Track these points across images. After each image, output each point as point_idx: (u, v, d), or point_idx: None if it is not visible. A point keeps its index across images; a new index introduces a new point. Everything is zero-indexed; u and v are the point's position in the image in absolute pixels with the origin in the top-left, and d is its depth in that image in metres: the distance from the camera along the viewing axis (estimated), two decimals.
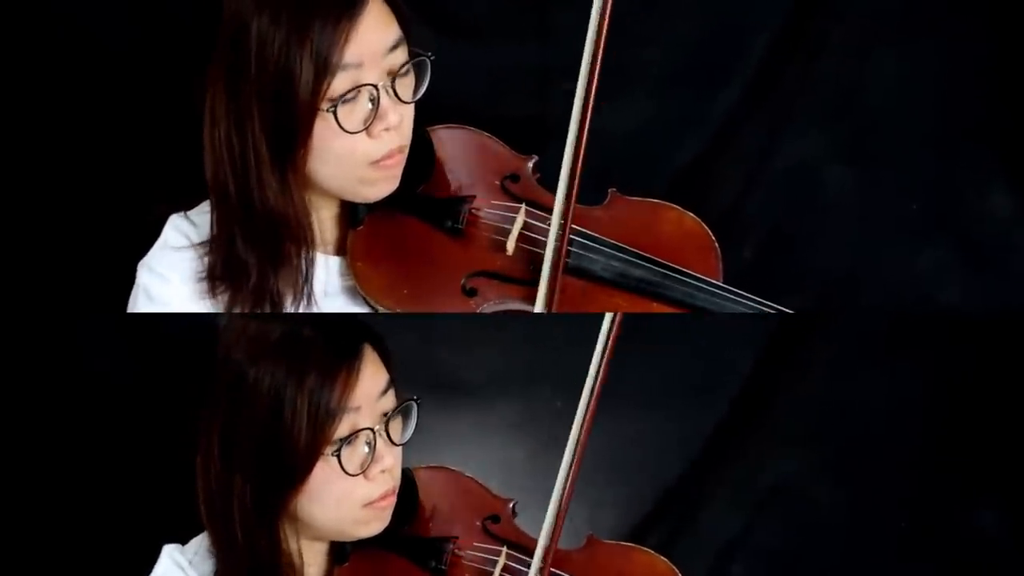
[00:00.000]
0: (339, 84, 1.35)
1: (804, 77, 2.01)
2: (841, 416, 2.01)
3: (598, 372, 1.37)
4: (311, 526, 1.38)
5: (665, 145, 1.99)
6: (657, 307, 1.49)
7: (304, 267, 1.44)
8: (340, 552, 1.43)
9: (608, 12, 1.41)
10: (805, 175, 2.02)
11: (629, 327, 1.95)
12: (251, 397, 1.30)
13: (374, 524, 1.38)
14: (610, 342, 1.37)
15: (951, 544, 2.03)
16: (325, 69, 1.34)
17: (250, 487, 1.33)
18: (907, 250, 2.00)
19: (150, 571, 1.44)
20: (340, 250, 1.51)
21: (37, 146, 1.90)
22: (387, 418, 1.36)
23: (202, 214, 1.48)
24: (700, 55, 1.99)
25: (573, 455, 1.36)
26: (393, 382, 1.38)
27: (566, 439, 1.95)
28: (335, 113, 1.35)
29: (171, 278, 1.45)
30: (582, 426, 1.36)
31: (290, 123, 1.35)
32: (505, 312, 1.48)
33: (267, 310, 1.43)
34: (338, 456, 1.31)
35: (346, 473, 1.32)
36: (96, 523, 1.89)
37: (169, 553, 1.44)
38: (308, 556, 1.42)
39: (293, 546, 1.38)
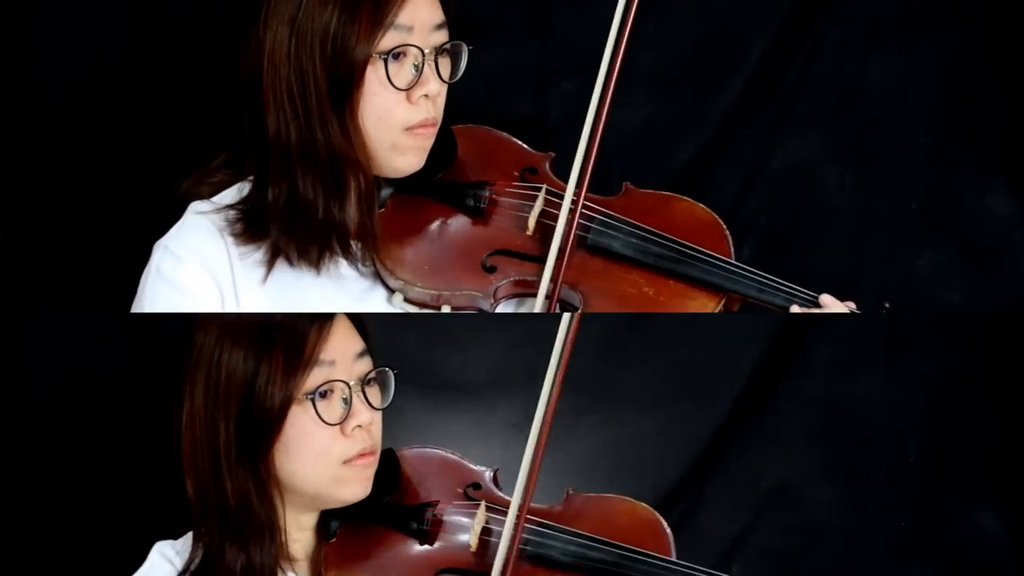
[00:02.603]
0: (388, 40, 1.42)
1: (804, 78, 2.01)
2: (842, 416, 2.01)
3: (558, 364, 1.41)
4: (293, 487, 1.40)
5: (666, 145, 1.99)
6: (674, 284, 1.50)
7: (368, 198, 1.48)
8: (326, 528, 1.45)
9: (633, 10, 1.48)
10: (805, 175, 2.02)
11: (630, 327, 1.97)
12: (229, 353, 1.35)
13: (354, 485, 1.40)
14: (570, 337, 1.40)
15: (951, 544, 2.03)
16: (380, 24, 1.41)
17: (233, 438, 1.36)
18: (907, 250, 2.01)
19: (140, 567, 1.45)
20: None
21: (42, 139, 1.90)
22: (364, 382, 1.40)
23: (225, 198, 1.50)
24: (700, 57, 2.00)
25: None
26: (369, 351, 1.42)
27: (567, 439, 1.96)
28: (386, 63, 1.42)
29: (185, 259, 1.47)
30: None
31: (348, 69, 1.42)
32: (524, 296, 1.52)
33: (336, 249, 1.47)
34: (314, 402, 1.35)
35: (322, 421, 1.35)
36: (88, 519, 1.89)
37: (158, 548, 1.45)
38: (293, 530, 1.44)
39: (279, 513, 1.40)
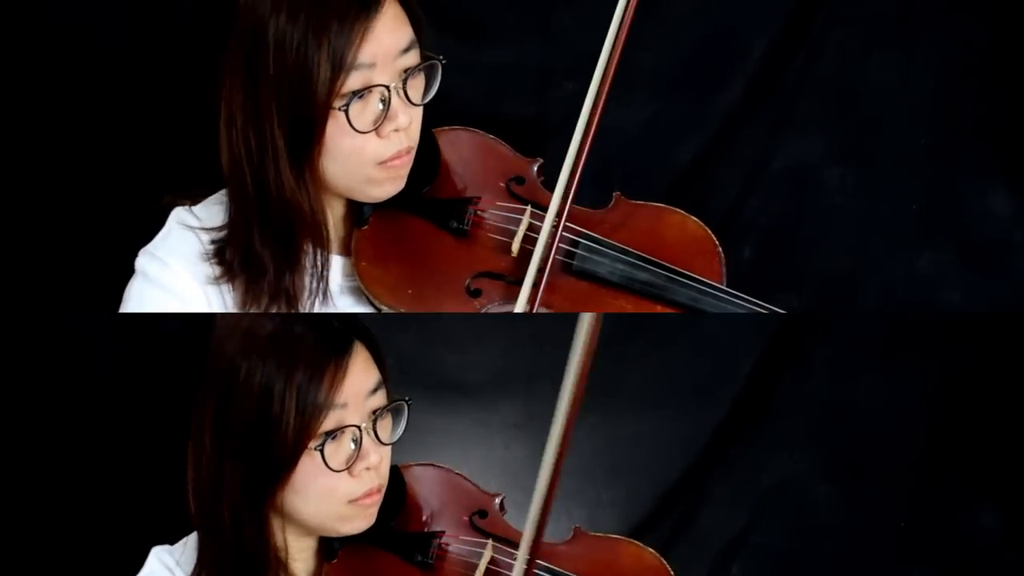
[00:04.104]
0: (352, 83, 1.37)
1: (804, 78, 2.01)
2: (841, 416, 2.01)
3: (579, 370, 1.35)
4: (296, 520, 1.38)
5: (666, 146, 1.99)
6: (661, 310, 1.48)
7: (319, 264, 1.45)
8: (328, 548, 1.44)
9: (631, 14, 1.42)
10: (805, 176, 2.02)
11: (630, 327, 1.97)
12: (241, 389, 1.31)
13: (358, 521, 1.38)
14: (589, 343, 1.35)
15: (950, 544, 2.03)
16: (340, 68, 1.35)
17: (239, 476, 1.33)
18: (907, 251, 2.01)
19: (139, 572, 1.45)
20: (345, 250, 1.52)
21: (37, 145, 1.90)
22: (375, 416, 1.36)
23: (207, 208, 1.49)
24: (700, 57, 2.00)
25: (558, 445, 1.36)
26: (385, 382, 1.38)
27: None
28: (347, 112, 1.37)
29: (171, 263, 1.45)
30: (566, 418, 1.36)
31: (307, 120, 1.37)
32: (506, 312, 1.48)
33: (283, 306, 1.44)
34: (322, 451, 1.32)
35: (329, 469, 1.33)
36: (86, 521, 1.89)
37: (156, 554, 1.44)
38: (295, 551, 1.42)
39: (279, 540, 1.39)
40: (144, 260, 1.46)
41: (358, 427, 1.34)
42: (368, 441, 1.35)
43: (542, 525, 1.31)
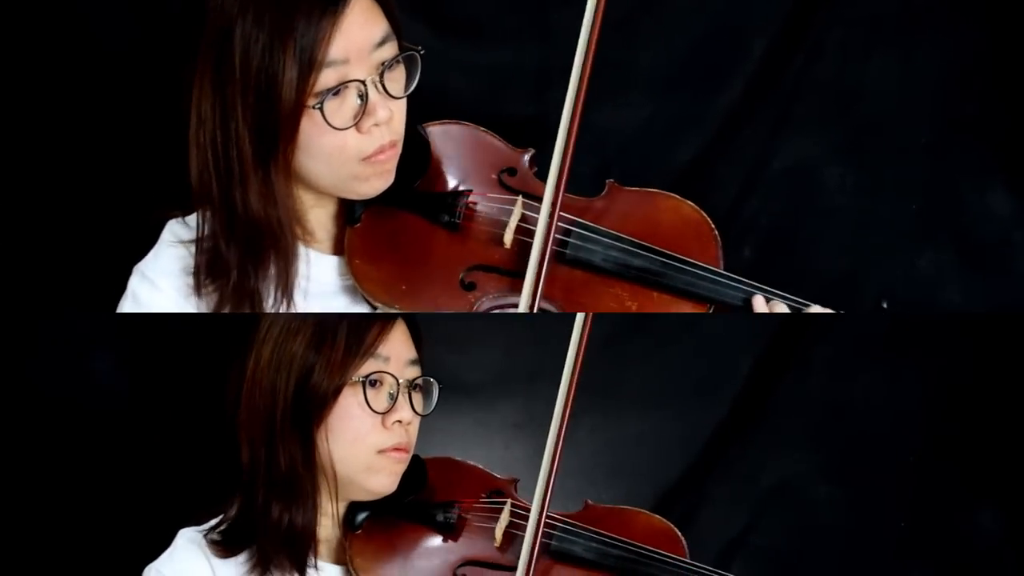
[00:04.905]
0: (325, 80, 1.37)
1: (804, 78, 2.01)
2: (841, 416, 2.01)
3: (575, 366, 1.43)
4: (327, 468, 1.42)
5: (665, 146, 1.99)
6: (658, 296, 1.48)
7: (285, 269, 1.45)
8: (353, 520, 1.48)
9: (601, 9, 1.41)
10: (805, 176, 2.02)
11: (630, 327, 1.97)
12: (295, 332, 1.41)
13: (383, 477, 1.44)
14: (583, 340, 1.42)
15: (950, 544, 2.03)
16: (309, 67, 1.35)
17: (291, 408, 1.39)
18: (907, 250, 2.01)
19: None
20: (338, 249, 1.52)
21: (36, 149, 1.90)
22: (410, 385, 1.44)
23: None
24: (700, 57, 2.00)
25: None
26: (420, 362, 1.46)
27: (567, 439, 1.96)
28: (322, 109, 1.37)
29: (161, 285, 1.46)
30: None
31: (274, 121, 1.36)
32: (505, 310, 1.49)
33: (247, 310, 1.45)
34: (364, 385, 1.40)
35: (368, 407, 1.40)
36: (88, 524, 1.89)
37: (184, 534, 1.47)
38: (321, 518, 1.46)
39: (327, 507, 1.45)
40: (136, 281, 1.47)
41: (396, 380, 1.43)
42: (403, 399, 1.43)
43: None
